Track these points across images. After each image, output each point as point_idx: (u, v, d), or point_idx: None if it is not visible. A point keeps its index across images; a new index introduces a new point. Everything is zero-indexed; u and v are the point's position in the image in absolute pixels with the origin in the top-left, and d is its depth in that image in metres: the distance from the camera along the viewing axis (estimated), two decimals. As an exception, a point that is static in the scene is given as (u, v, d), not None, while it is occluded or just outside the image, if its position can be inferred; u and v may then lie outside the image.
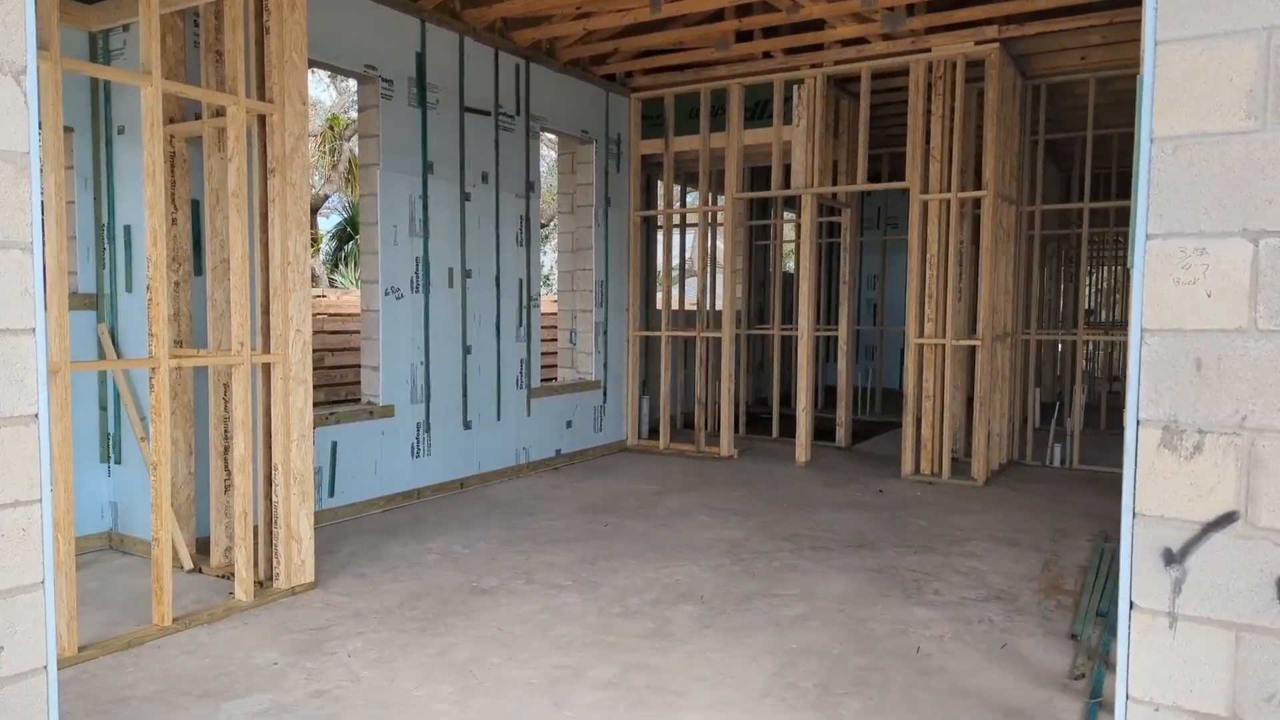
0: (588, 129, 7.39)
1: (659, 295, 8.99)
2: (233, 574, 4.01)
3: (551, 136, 8.73)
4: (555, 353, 7.90)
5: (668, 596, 3.97)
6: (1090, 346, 9.84)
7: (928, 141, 6.63)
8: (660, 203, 8.62)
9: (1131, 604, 1.69)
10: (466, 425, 6.22)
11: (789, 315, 11.92)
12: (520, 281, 6.71)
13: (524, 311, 6.74)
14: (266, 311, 4.02)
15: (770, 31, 6.80)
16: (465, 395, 6.20)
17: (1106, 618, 3.68)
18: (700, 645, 3.44)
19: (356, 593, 4.03)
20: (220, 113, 3.97)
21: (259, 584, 4.05)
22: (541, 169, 19.85)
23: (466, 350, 6.21)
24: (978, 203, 7.11)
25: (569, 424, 7.28)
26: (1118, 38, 6.27)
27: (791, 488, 6.32)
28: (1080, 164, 8.67)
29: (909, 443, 6.72)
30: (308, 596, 3.99)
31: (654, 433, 8.54)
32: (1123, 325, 12.62)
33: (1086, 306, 11.53)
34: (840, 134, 7.75)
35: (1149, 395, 1.64)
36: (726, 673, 3.19)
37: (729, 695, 3.02)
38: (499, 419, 6.51)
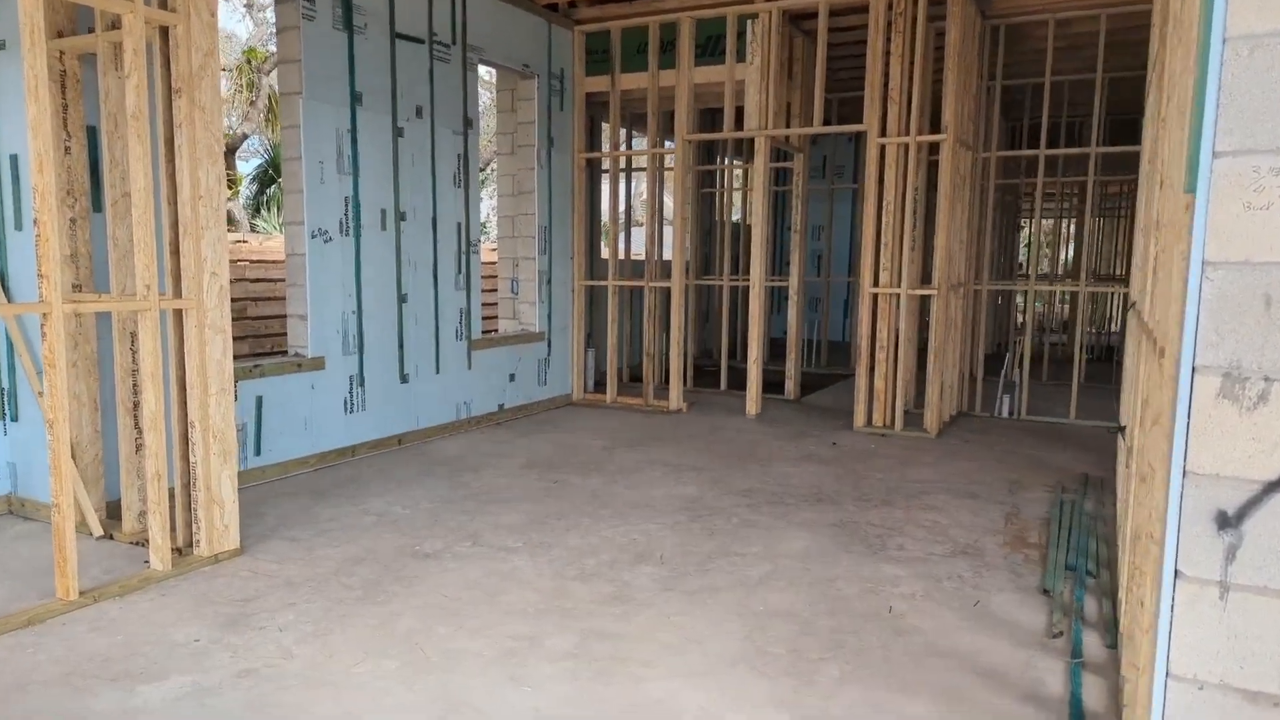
0: (529, 63, 6.95)
1: (605, 244, 8.67)
2: (147, 541, 3.64)
3: (491, 72, 8.25)
4: (496, 303, 7.53)
5: (625, 558, 3.75)
6: (1030, 298, 9.87)
7: (886, 83, 6.40)
8: (606, 145, 8.24)
9: (1177, 572, 1.50)
10: (404, 379, 5.86)
11: (736, 265, 11.72)
12: (459, 225, 6.31)
13: (463, 258, 6.36)
14: (176, 252, 3.59)
15: (724, -38, 6.44)
16: (401, 347, 5.83)
17: (1075, 571, 3.59)
18: (663, 610, 3.22)
19: (287, 559, 3.70)
20: (117, 24, 3.49)
21: (177, 551, 3.69)
22: (480, 108, 19.21)
23: (402, 299, 5.82)
24: (934, 148, 6.94)
25: (512, 377, 6.97)
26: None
27: (744, 441, 6.15)
28: (1033, 111, 8.58)
29: (862, 395, 6.60)
30: (232, 565, 3.65)
31: (600, 386, 8.28)
32: (1073, 277, 12.77)
33: (1038, 258, 11.61)
34: (794, 74, 7.47)
35: (1208, 338, 1.44)
36: (693, 639, 2.99)
37: (698, 664, 2.82)
38: (438, 372, 6.16)
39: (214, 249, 3.57)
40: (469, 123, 6.35)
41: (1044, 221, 14.05)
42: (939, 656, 2.88)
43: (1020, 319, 12.92)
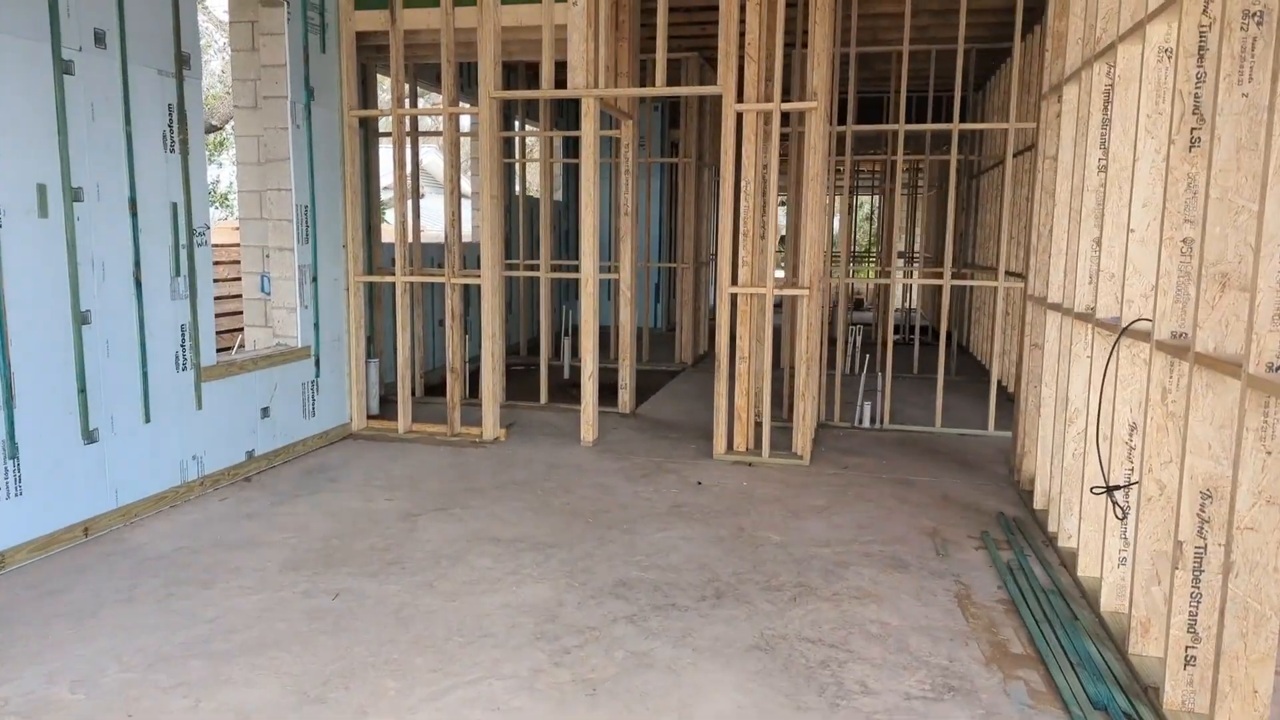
0: (275, -16, 5.10)
1: (396, 225, 6.95)
2: None
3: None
4: (241, 310, 5.64)
5: (463, 767, 2.29)
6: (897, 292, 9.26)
7: (743, 37, 5.21)
8: (386, 100, 6.48)
9: None
10: (89, 437, 3.94)
11: (534, 248, 10.27)
12: (175, 208, 4.41)
13: (184, 253, 4.47)
14: None
15: None
16: (83, 391, 3.90)
17: (1108, 712, 2.58)
18: None
19: None
20: None
21: None
22: (208, 43, 15.54)
23: (81, 319, 3.88)
24: (786, 119, 5.87)
25: (265, 412, 5.15)
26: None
27: (590, 487, 4.80)
28: (893, 82, 7.79)
29: (721, 415, 5.45)
30: None
31: (388, 405, 6.60)
32: (935, 261, 12.38)
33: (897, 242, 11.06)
34: (621, 23, 6.12)
35: None
36: None
37: None
38: (148, 420, 4.27)
39: None
40: (185, 60, 4.45)
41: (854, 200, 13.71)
42: None
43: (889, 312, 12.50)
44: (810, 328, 5.33)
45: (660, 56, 5.32)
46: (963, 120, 10.67)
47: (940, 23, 7.46)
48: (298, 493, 4.66)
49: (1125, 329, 2.94)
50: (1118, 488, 3.00)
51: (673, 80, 8.52)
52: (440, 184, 20.92)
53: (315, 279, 5.60)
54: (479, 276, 5.74)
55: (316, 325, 5.62)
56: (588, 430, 5.76)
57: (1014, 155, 8.04)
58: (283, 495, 4.61)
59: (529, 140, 10.52)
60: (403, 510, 4.37)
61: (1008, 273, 6.90)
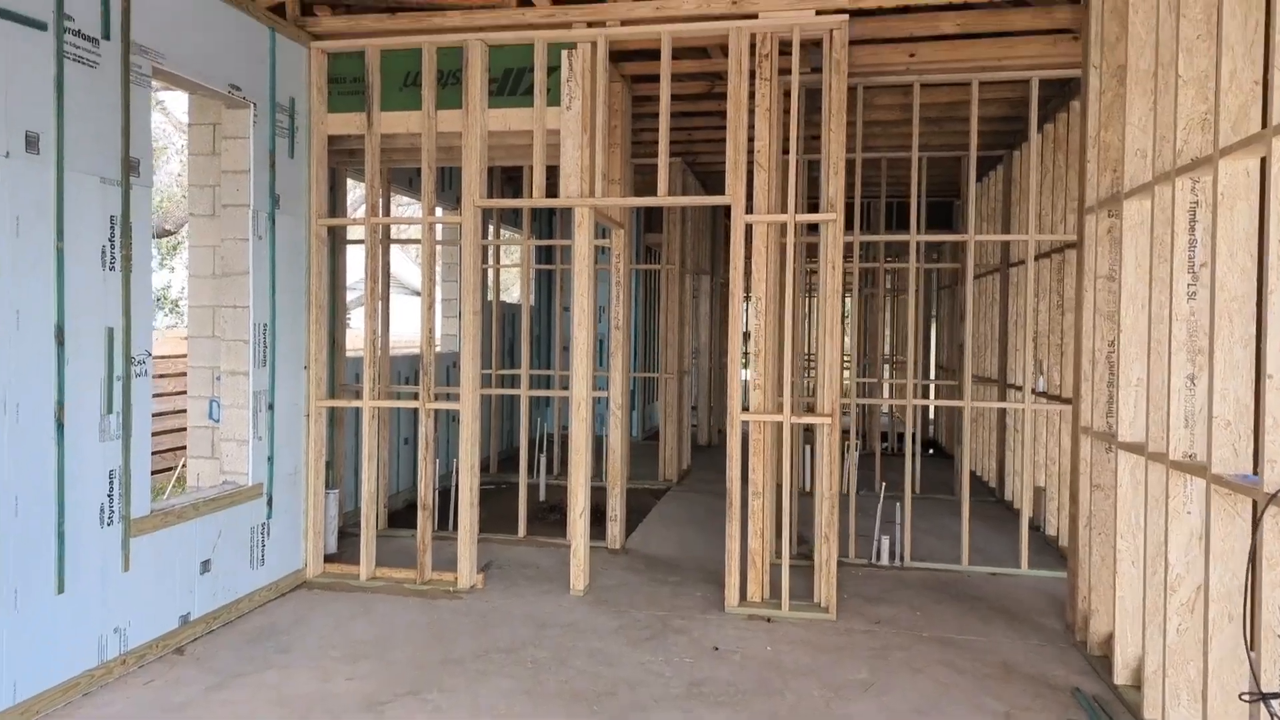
0: (240, 84, 4.61)
1: (366, 342, 6.40)
2: None
3: (175, 95, 5.79)
4: (184, 444, 4.95)
5: None
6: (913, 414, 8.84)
7: (752, 143, 4.83)
8: (357, 207, 5.98)
9: None
10: (-18, 620, 3.19)
11: (506, 357, 9.73)
12: (111, 334, 3.78)
13: (118, 386, 3.81)
14: None
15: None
16: (-22, 562, 3.17)
17: None
18: None
19: None
20: None
21: None
22: (164, 146, 14.81)
23: (-20, 474, 3.19)
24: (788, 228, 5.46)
25: (206, 565, 4.41)
26: (975, 27, 4.94)
27: (587, 656, 4.09)
28: (906, 188, 7.50)
29: (734, 560, 4.81)
30: None
31: (348, 541, 5.87)
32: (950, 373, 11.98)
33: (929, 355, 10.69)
34: (613, 128, 5.75)
35: None
36: None
37: None
38: (61, 590, 3.52)
39: None
40: (133, 166, 3.89)
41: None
42: None
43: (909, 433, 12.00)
44: (832, 460, 4.78)
45: (662, 163, 4.90)
46: (948, 228, 10.51)
47: (933, 130, 7.26)
48: (240, 670, 3.88)
49: (1276, 496, 2.42)
50: (1276, 696, 2.42)
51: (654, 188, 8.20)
52: (401, 284, 20.44)
53: (272, 406, 4.94)
54: (456, 399, 5.13)
55: (271, 459, 4.94)
56: (578, 576, 5.07)
57: (1010, 265, 7.78)
58: (221, 674, 3.83)
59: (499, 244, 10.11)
60: (367, 696, 3.62)
61: (1036, 393, 6.46)
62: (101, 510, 3.72)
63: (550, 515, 7.27)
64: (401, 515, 7.18)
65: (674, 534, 6.55)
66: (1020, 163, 7.38)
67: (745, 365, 5.51)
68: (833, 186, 4.78)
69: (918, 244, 5.95)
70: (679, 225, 8.78)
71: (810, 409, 5.17)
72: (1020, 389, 7.46)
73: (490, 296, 9.20)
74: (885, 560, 5.75)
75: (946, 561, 5.75)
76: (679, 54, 6.10)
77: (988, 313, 8.86)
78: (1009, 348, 7.80)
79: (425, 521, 5.19)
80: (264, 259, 4.85)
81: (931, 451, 10.61)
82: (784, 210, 4.79)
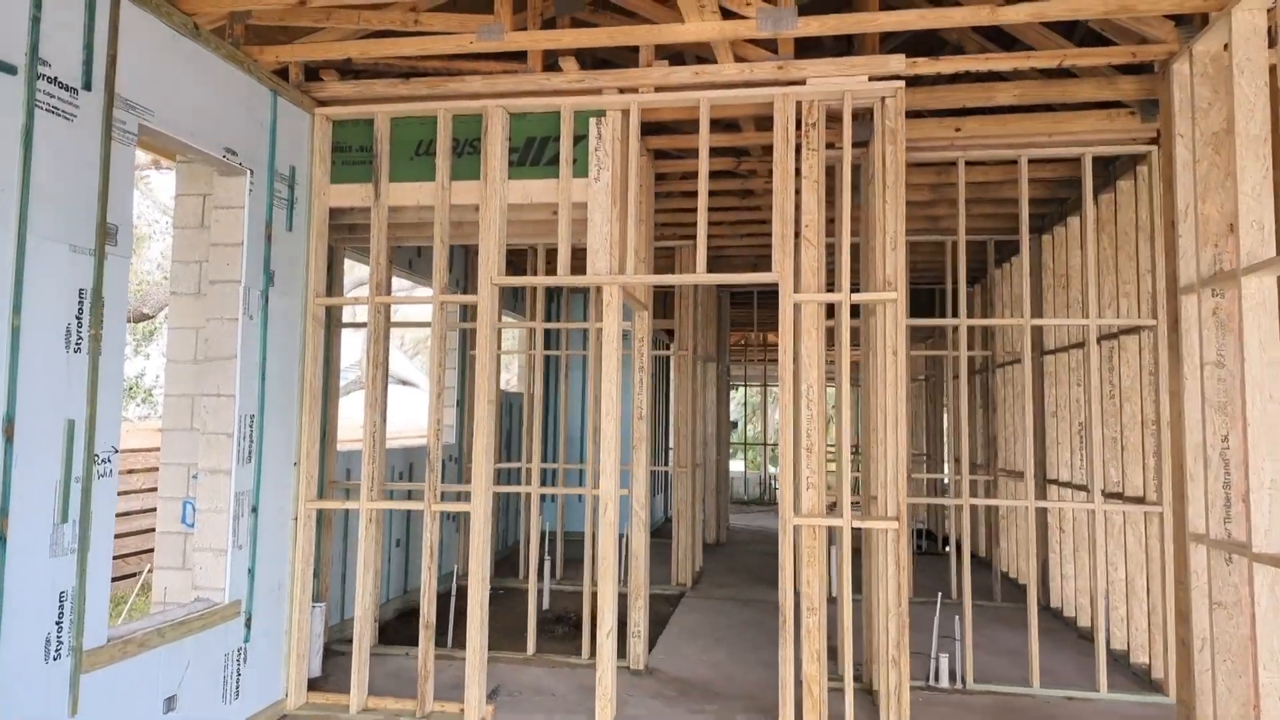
0: (237, 148, 4.16)
1: (365, 435, 5.84)
2: None
3: (161, 161, 5.39)
4: (151, 547, 4.30)
5: None
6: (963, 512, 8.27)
7: (798, 217, 4.42)
8: (353, 289, 5.48)
9: None
10: (-123, 797, 2.50)
11: (507, 450, 9.12)
12: (71, 426, 3.19)
13: (76, 489, 3.20)
14: None
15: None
16: (-121, 720, 2.51)
17: None
18: None
19: None
20: None
21: None
22: (143, 213, 14.06)
23: (-110, 606, 2.55)
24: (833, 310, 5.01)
25: (171, 703, 3.71)
26: (1033, 97, 4.62)
27: (630, 814, 3.41)
28: (930, 273, 7.12)
29: (787, 690, 4.16)
30: None
31: (333, 659, 5.15)
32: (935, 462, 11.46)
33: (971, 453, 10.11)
34: (640, 204, 5.34)
35: None
36: None
37: None
38: (-12, 749, 2.84)
39: None
40: (110, 233, 3.39)
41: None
42: None
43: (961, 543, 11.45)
44: (900, 570, 4.20)
45: (701, 236, 4.46)
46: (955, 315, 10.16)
47: (951, 213, 6.95)
48: (209, 841, 3.16)
49: None
50: None
51: (672, 270, 7.80)
52: (393, 374, 19.82)
53: (255, 509, 4.32)
54: (457, 497, 4.53)
55: (252, 572, 4.28)
56: (604, 709, 4.38)
57: (1045, 353, 7.37)
58: None
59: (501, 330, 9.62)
60: None
61: (1109, 494, 5.93)
62: (48, 643, 3.06)
63: (557, 627, 6.58)
64: (393, 627, 6.46)
65: (701, 651, 5.87)
66: (1054, 246, 7.05)
67: (733, 456, 4.96)
68: (890, 264, 4.35)
69: (967, 329, 5.50)
70: (692, 309, 8.35)
71: (855, 508, 4.62)
72: (1063, 484, 6.96)
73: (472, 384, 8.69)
74: (945, 682, 5.10)
75: (1012, 683, 5.12)
76: (722, 125, 5.77)
77: (1014, 404, 8.42)
78: (1046, 440, 7.31)
79: (427, 643, 4.51)
80: (254, 341, 4.31)
81: (947, 549, 9.99)
82: (833, 288, 4.34)
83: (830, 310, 4.82)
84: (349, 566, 6.26)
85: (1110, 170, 5.83)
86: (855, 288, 7.04)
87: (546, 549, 6.68)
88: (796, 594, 4.29)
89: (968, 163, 5.39)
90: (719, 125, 5.33)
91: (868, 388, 5.01)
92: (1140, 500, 5.38)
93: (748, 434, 25.64)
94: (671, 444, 8.49)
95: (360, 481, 4.87)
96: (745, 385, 18.26)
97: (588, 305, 10.92)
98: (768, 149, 5.80)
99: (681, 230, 7.87)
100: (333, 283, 5.84)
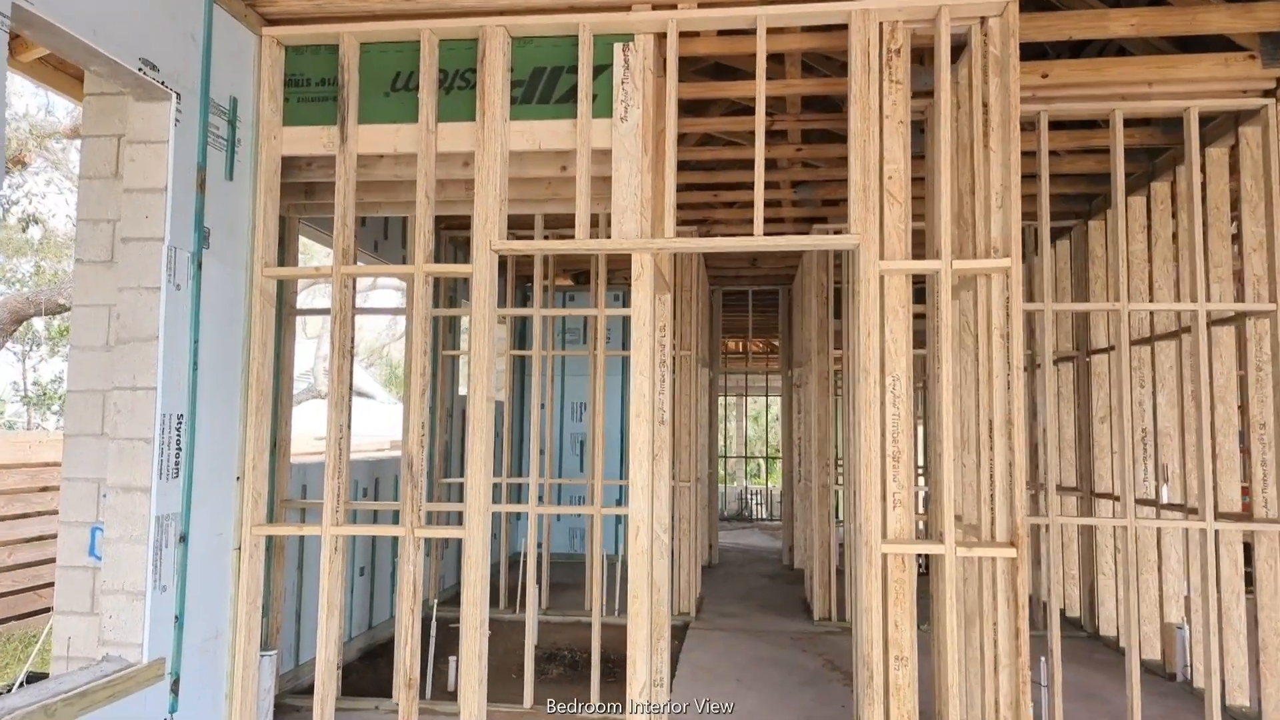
0: (158, 62, 3.15)
1: (329, 443, 4.75)
2: None
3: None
4: (51, 581, 3.22)
5: None
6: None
7: (882, 166, 3.53)
8: (321, 253, 4.48)
9: None
10: None
11: (501, 460, 8.12)
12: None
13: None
14: None
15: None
16: None
17: None
18: None
19: None
20: None
21: None
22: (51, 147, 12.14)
23: None
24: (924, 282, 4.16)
25: (59, 816, 2.66)
26: (1155, 28, 3.81)
27: None
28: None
29: (880, 763, 3.26)
30: None
31: (286, 716, 4.13)
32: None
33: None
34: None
35: None
36: None
37: None
38: None
39: None
40: (-32, 154, 2.36)
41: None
42: None
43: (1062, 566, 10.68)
44: (1017, 611, 3.32)
45: (759, 194, 3.55)
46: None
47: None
48: None
49: None
50: None
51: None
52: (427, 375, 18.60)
53: (185, 537, 3.29)
54: (445, 519, 3.55)
55: (180, 620, 3.25)
56: (645, 790, 3.43)
57: (1091, 352, 6.60)
58: None
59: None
60: None
61: (1162, 505, 5.15)
62: None
63: (550, 667, 5.61)
64: (357, 670, 5.43)
65: (727, 696, 4.95)
66: (1106, 230, 6.30)
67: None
68: (996, 225, 3.49)
69: (1054, 314, 4.69)
70: (693, 307, 7.46)
71: (978, 539, 3.73)
72: (1113, 498, 6.19)
73: (444, 389, 7.72)
74: (1034, 735, 4.24)
75: (1114, 735, 4.28)
76: (721, 71, 4.91)
77: (1056, 408, 7.65)
78: (1094, 448, 6.54)
79: (410, 704, 3.50)
80: (183, 319, 3.29)
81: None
82: (933, 255, 3.47)
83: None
84: (304, 601, 5.22)
85: (1200, 136, 5.07)
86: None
87: (537, 577, 5.70)
88: (886, 642, 3.38)
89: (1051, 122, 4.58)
90: (736, 74, 4.43)
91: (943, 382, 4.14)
92: (1248, 517, 4.60)
93: (728, 446, 24.84)
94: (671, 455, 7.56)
95: (320, 500, 3.86)
96: (725, 395, 17.43)
97: (591, 294, 9.98)
98: (809, 100, 4.95)
99: (691, 214, 7.02)
100: (284, 261, 4.82)
